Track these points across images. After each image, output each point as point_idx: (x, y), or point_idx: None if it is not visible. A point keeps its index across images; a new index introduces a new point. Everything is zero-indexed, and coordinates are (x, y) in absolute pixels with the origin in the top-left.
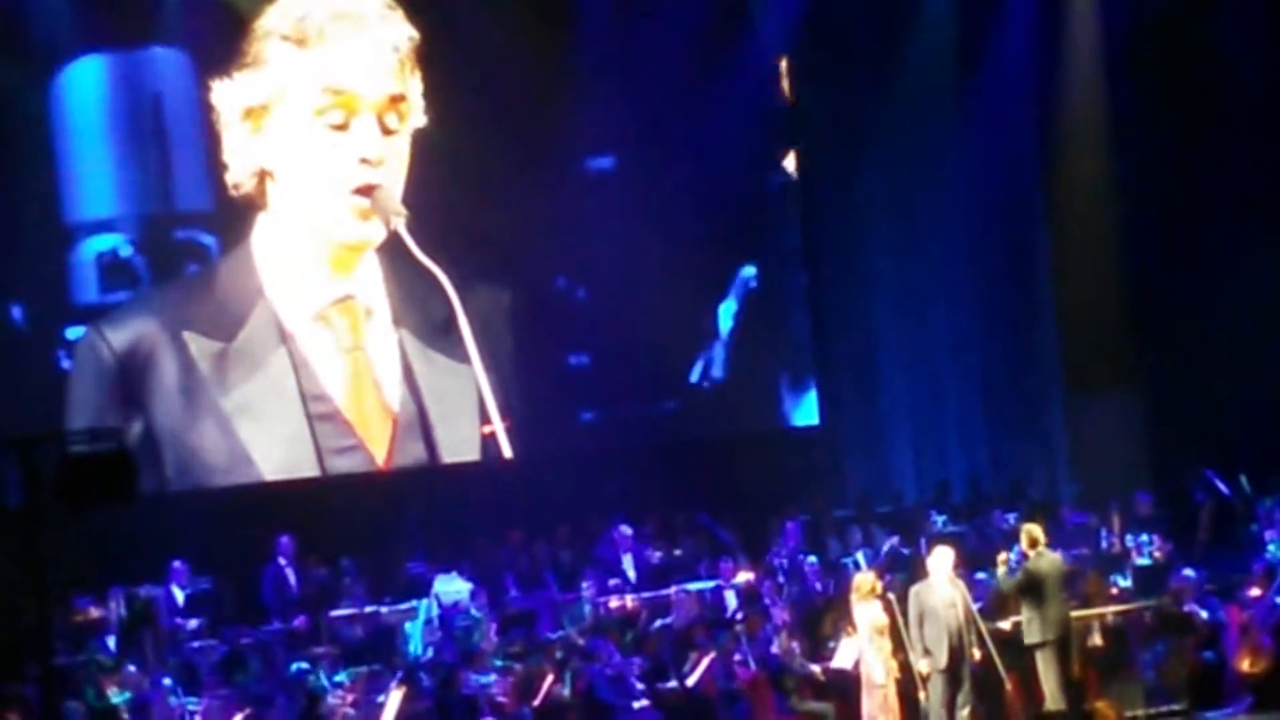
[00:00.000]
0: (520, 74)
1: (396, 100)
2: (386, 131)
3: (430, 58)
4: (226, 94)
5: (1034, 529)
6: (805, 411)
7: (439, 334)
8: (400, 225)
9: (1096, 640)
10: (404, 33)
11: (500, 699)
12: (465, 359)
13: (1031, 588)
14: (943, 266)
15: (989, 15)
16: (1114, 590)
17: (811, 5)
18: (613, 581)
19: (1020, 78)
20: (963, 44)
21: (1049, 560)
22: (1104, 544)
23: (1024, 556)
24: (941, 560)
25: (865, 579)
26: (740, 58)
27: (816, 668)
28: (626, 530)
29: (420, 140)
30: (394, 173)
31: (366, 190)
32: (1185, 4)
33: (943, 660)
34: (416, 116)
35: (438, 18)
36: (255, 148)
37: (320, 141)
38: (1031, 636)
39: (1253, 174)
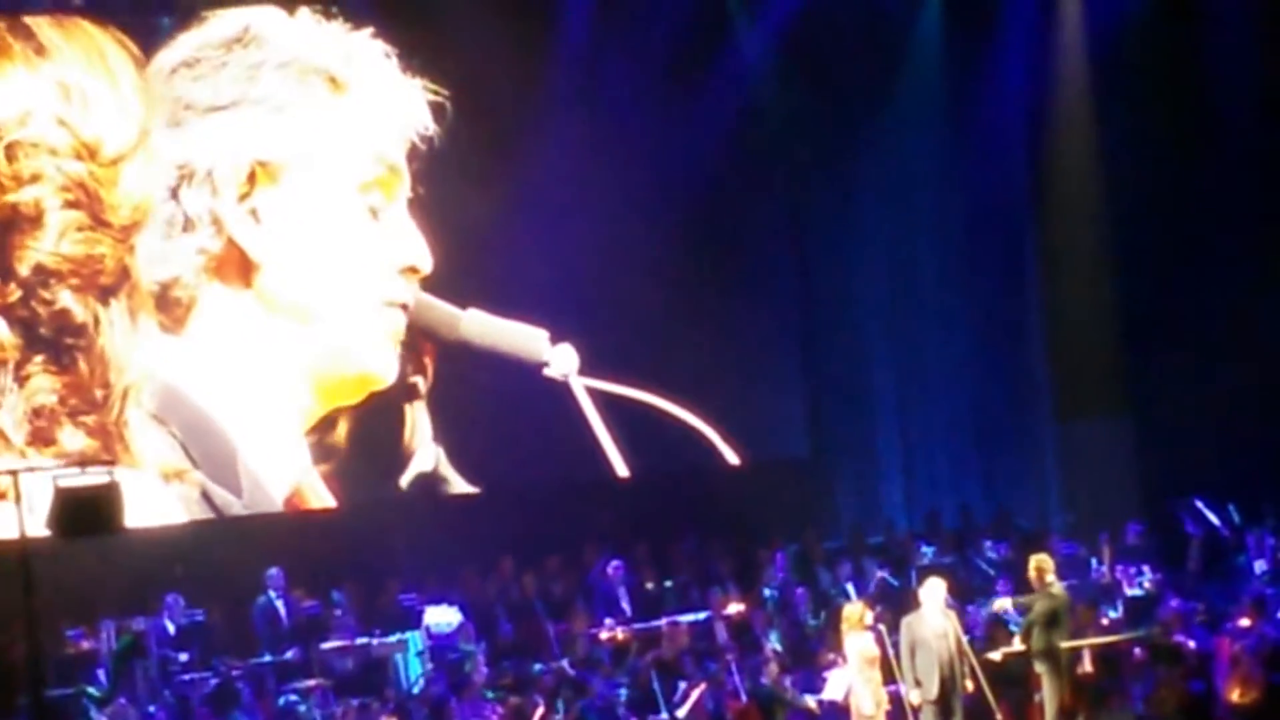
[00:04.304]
0: (504, 111)
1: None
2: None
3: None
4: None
5: (1044, 560)
6: (796, 442)
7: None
8: None
9: (1087, 669)
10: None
11: None
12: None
13: (1052, 617)
14: (933, 295)
15: (979, 37)
16: (1104, 621)
17: (798, 32)
18: (608, 621)
19: (1010, 103)
20: (952, 69)
21: (1059, 590)
22: (1094, 574)
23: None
24: (933, 591)
25: (855, 610)
26: (728, 89)
27: (808, 698)
28: (619, 564)
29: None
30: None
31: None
32: (1175, 26)
33: (934, 691)
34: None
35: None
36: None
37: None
38: (1042, 664)
39: (1244, 202)
